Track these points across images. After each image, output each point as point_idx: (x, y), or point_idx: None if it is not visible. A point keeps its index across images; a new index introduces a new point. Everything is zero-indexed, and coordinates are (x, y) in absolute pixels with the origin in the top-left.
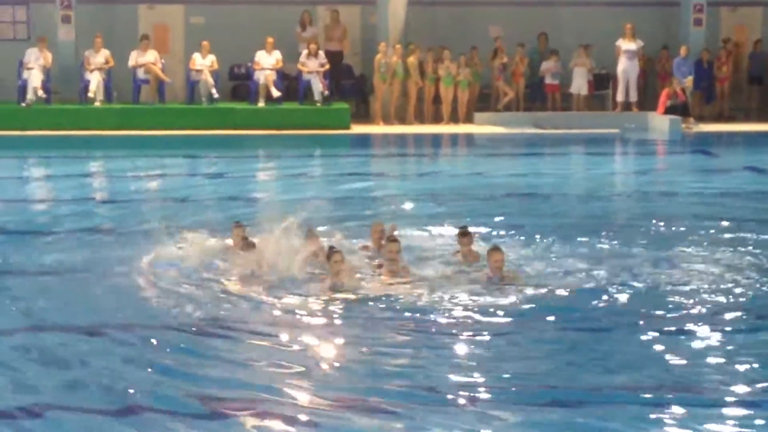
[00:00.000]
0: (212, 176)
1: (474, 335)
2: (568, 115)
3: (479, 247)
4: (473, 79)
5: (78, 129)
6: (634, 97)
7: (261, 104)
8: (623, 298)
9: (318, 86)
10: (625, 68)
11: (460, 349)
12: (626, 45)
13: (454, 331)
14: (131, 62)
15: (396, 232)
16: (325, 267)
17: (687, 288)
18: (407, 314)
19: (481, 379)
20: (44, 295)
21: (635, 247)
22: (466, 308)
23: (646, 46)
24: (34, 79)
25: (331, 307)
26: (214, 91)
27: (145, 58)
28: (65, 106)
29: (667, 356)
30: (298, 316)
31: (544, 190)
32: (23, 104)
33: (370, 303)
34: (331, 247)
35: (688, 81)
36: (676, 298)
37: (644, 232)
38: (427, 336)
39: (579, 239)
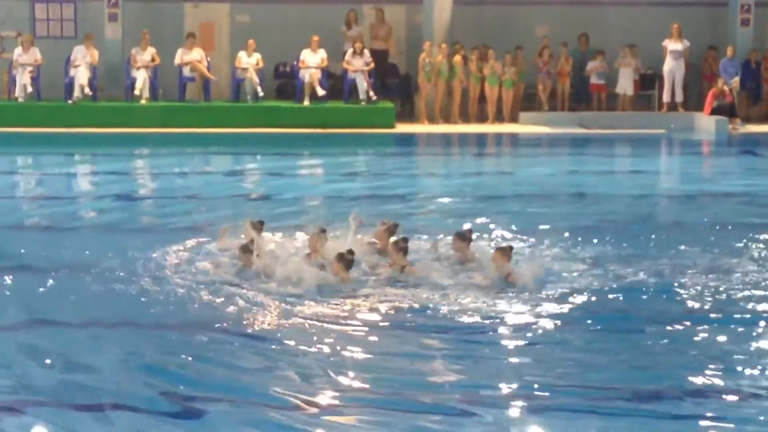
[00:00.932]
0: (255, 174)
1: (470, 337)
2: (613, 115)
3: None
4: (518, 79)
5: (123, 126)
6: (680, 97)
7: (306, 103)
8: (652, 299)
9: (363, 85)
10: (671, 68)
11: (458, 351)
12: (672, 45)
13: (445, 332)
14: (177, 60)
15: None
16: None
17: (732, 291)
18: (400, 315)
19: (481, 381)
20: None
21: (677, 248)
22: (464, 310)
23: (692, 46)
24: (81, 76)
25: (332, 307)
26: (259, 89)
27: (191, 56)
28: (111, 104)
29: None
30: (299, 317)
31: (587, 190)
32: (70, 101)
33: (367, 301)
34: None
35: (735, 81)
36: (718, 300)
37: (688, 234)
38: (417, 337)
39: (618, 240)
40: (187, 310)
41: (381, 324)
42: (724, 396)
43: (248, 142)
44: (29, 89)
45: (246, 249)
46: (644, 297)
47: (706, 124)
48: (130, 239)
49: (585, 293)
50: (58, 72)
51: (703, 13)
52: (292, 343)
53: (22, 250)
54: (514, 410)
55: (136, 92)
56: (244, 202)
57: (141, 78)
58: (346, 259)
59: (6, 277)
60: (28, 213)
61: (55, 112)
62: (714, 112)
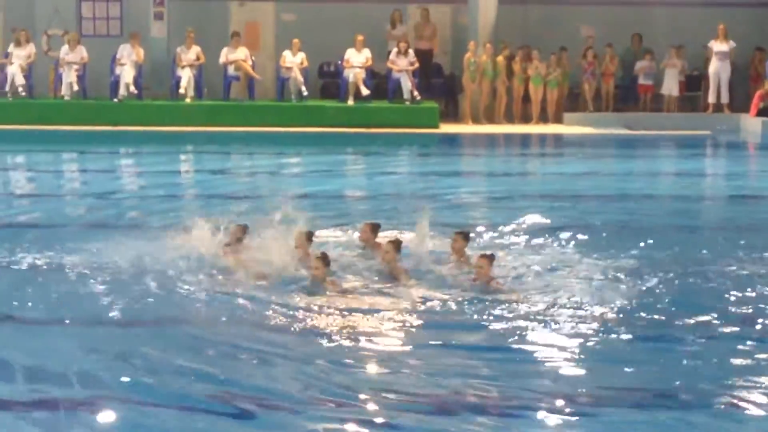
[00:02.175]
0: (299, 173)
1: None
2: (658, 116)
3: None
4: (563, 79)
5: (168, 125)
6: (725, 98)
7: (350, 102)
8: (692, 303)
9: (407, 85)
10: (717, 69)
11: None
12: (718, 46)
13: (413, 335)
14: (222, 59)
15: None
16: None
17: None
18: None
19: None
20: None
21: (720, 251)
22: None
23: (738, 47)
24: (127, 75)
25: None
26: (303, 88)
27: (236, 55)
28: (156, 102)
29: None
30: (286, 318)
31: (630, 191)
32: (115, 99)
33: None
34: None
35: None
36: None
37: (733, 236)
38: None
39: (660, 243)
40: (237, 310)
41: (363, 325)
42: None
43: (292, 141)
44: (75, 87)
45: (324, 258)
46: (685, 301)
47: (752, 125)
48: (174, 236)
49: (619, 294)
50: (103, 70)
51: (749, 13)
52: (273, 342)
53: (72, 247)
54: (519, 414)
55: (181, 91)
56: (289, 201)
57: (186, 76)
58: (326, 258)
59: (56, 275)
60: (76, 211)
61: (101, 110)
62: (760, 113)
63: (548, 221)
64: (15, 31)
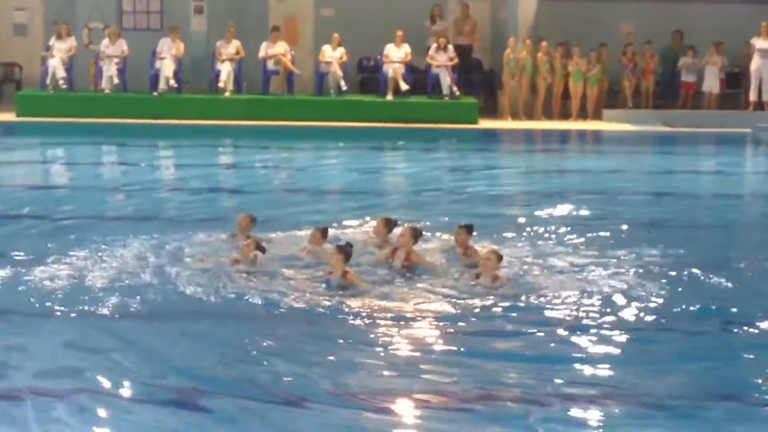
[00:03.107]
0: (337, 168)
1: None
2: (698, 113)
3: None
4: (602, 76)
5: (207, 118)
6: (767, 96)
7: (389, 97)
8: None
9: (446, 80)
10: (759, 67)
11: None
12: (761, 43)
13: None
14: (261, 53)
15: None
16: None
17: None
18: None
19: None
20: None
21: (752, 251)
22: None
23: None
24: (166, 68)
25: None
26: (342, 83)
27: (275, 50)
28: (196, 96)
29: None
30: (302, 312)
31: (669, 189)
32: (155, 93)
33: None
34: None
35: None
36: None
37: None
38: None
39: (696, 241)
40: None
41: (373, 320)
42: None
43: (330, 135)
44: (115, 81)
45: (342, 251)
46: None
47: None
48: (210, 229)
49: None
50: (143, 64)
51: None
52: (280, 336)
53: (110, 240)
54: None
55: (221, 84)
56: (326, 195)
57: (225, 70)
58: (346, 252)
59: (99, 267)
60: (116, 202)
61: (141, 103)
62: None
63: (583, 218)
64: (56, 24)
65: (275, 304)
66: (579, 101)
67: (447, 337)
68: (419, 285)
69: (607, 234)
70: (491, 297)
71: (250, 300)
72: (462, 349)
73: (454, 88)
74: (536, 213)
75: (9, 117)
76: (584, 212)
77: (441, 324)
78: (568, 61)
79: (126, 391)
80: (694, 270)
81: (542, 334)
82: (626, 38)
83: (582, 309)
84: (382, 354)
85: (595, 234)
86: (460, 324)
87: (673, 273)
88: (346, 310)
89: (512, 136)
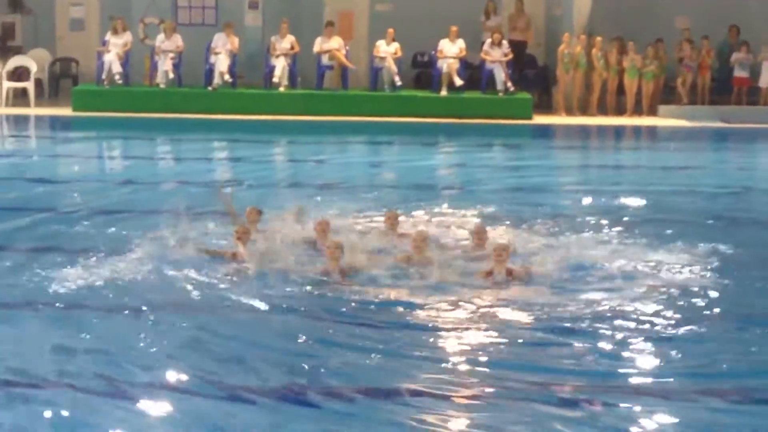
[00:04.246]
0: (391, 163)
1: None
2: (755, 109)
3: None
4: (659, 72)
5: (262, 113)
6: None
7: (443, 92)
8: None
9: (501, 76)
10: None
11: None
12: None
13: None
14: (316, 48)
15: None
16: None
17: None
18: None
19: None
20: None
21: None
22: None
23: None
24: (221, 63)
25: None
26: (397, 78)
27: (330, 45)
28: (250, 91)
29: None
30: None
31: (724, 185)
32: (210, 88)
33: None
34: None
35: None
36: None
37: None
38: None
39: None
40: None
41: (373, 316)
42: None
43: (385, 130)
44: (171, 75)
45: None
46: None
47: None
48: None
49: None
50: (198, 59)
51: None
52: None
53: (166, 234)
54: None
55: (275, 80)
56: (379, 190)
57: (280, 65)
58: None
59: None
60: (171, 197)
61: (196, 98)
62: None
63: (637, 214)
64: (112, 19)
65: (276, 300)
66: (634, 97)
67: (457, 333)
68: (433, 283)
69: (657, 230)
70: (504, 292)
71: (250, 296)
72: (475, 347)
73: (509, 84)
74: (586, 208)
75: (66, 112)
76: (637, 208)
77: (453, 322)
78: (623, 57)
79: (144, 383)
80: (747, 265)
81: (553, 329)
82: (682, 33)
83: (606, 304)
84: (388, 351)
85: (643, 230)
86: (471, 322)
87: (723, 268)
88: (348, 308)
89: (566, 132)
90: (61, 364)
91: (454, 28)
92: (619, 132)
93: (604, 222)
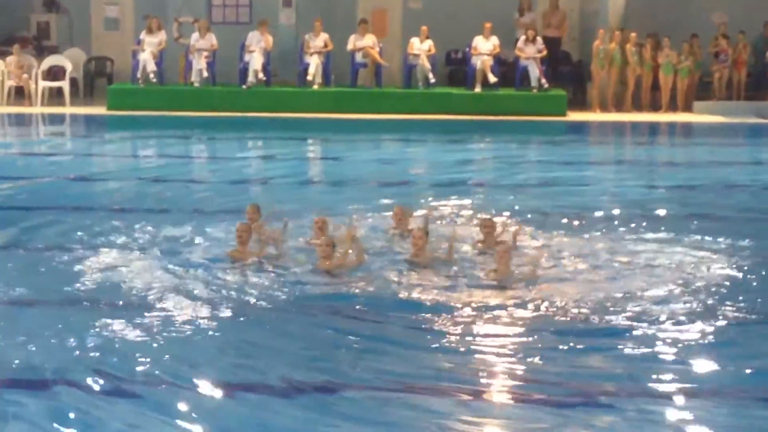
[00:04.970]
0: (424, 160)
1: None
2: None
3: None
4: (693, 67)
5: (296, 111)
6: None
7: (477, 89)
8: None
9: (535, 72)
10: None
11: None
12: None
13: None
14: (350, 46)
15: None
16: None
17: None
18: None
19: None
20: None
21: None
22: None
23: None
24: (255, 61)
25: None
26: (431, 75)
27: (364, 42)
28: (284, 89)
29: None
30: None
31: (760, 181)
32: (244, 86)
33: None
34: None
35: None
36: None
37: None
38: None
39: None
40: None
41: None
42: None
43: (419, 128)
44: (205, 74)
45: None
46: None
47: None
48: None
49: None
50: (233, 57)
51: None
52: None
53: (198, 233)
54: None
55: (309, 77)
56: (410, 187)
57: (314, 63)
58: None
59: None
60: (207, 196)
61: (230, 96)
62: None
63: (672, 210)
64: (147, 18)
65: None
66: (669, 93)
67: (459, 330)
68: (437, 280)
69: (693, 226)
70: (506, 290)
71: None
72: (478, 342)
73: (543, 80)
74: (620, 205)
75: (101, 111)
76: (673, 205)
77: (453, 318)
78: (657, 53)
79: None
80: None
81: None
82: (718, 29)
83: (619, 304)
84: (394, 349)
85: (679, 226)
86: (472, 318)
87: (761, 265)
88: (332, 306)
89: (601, 128)
90: (73, 361)
91: (488, 25)
92: (653, 128)
93: (640, 219)
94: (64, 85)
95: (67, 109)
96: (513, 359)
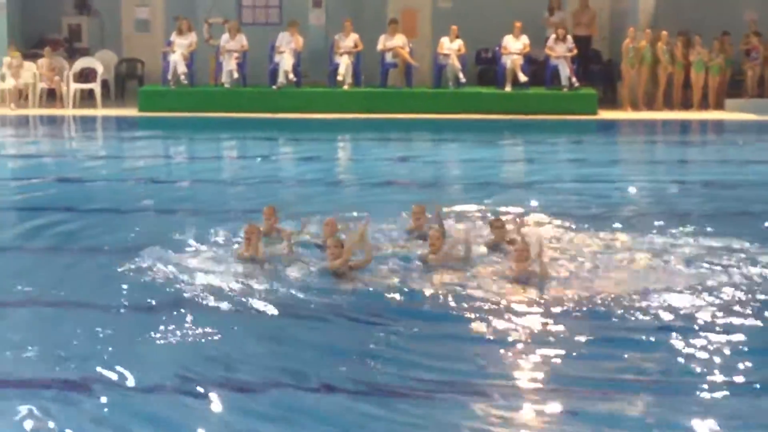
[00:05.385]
0: (456, 160)
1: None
2: None
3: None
4: (725, 65)
5: (326, 112)
6: None
7: (507, 89)
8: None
9: (565, 71)
10: None
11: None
12: None
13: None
14: (380, 46)
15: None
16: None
17: None
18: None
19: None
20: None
21: None
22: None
23: None
24: (285, 62)
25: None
26: (461, 75)
27: (394, 42)
28: (314, 89)
29: None
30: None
31: None
32: (274, 87)
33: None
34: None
35: None
36: None
37: None
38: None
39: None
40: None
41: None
42: None
43: (449, 127)
44: (235, 75)
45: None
46: None
47: None
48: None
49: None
50: (263, 58)
51: None
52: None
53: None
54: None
55: (339, 78)
56: (443, 188)
57: (344, 64)
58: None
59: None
60: (235, 197)
61: (260, 97)
62: None
63: (704, 208)
64: (177, 20)
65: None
66: (701, 91)
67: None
68: (452, 279)
69: (726, 225)
70: (524, 288)
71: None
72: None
73: (573, 79)
74: (651, 204)
75: (132, 112)
76: (702, 203)
77: (468, 317)
78: (688, 51)
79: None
80: None
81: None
82: (749, 26)
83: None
84: (406, 348)
85: (713, 225)
86: (481, 320)
87: None
88: (340, 306)
89: (632, 127)
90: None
91: (517, 24)
92: (685, 126)
93: (671, 217)
94: (96, 87)
95: (99, 111)
96: (532, 356)
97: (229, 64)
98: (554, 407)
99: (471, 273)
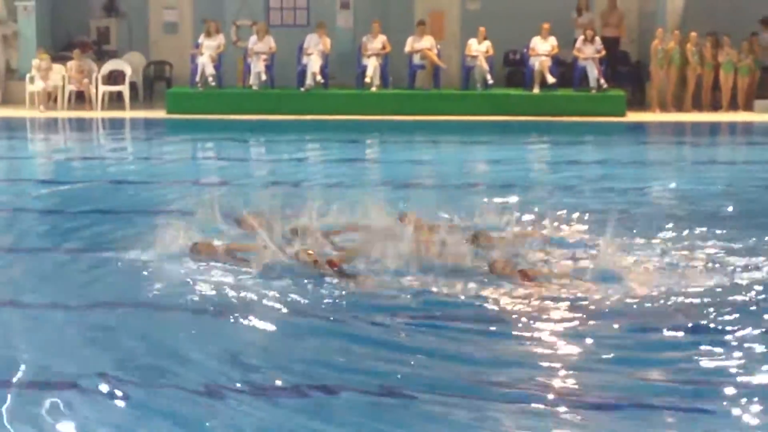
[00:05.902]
0: (483, 162)
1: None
2: None
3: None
4: (754, 66)
5: (354, 114)
6: None
7: (536, 90)
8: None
9: (594, 73)
10: None
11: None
12: None
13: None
14: (407, 48)
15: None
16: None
17: None
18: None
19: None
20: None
21: None
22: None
23: None
24: (313, 64)
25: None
26: (488, 77)
27: (422, 44)
28: (342, 91)
29: None
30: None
31: None
32: (302, 89)
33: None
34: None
35: None
36: None
37: None
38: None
39: None
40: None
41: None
42: None
43: (477, 129)
44: (263, 77)
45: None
46: None
47: None
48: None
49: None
50: (291, 60)
51: None
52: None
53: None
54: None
55: (367, 80)
56: (466, 189)
57: (372, 66)
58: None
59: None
60: (264, 198)
61: (288, 99)
62: None
63: (734, 210)
64: (205, 22)
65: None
66: (730, 92)
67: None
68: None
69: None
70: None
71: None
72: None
73: (602, 81)
74: (679, 206)
75: (160, 114)
76: (731, 204)
77: (480, 320)
78: (717, 52)
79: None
80: None
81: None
82: None
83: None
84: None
85: (742, 228)
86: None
87: None
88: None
89: (661, 129)
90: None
91: (545, 26)
92: (714, 128)
93: (700, 218)
94: (124, 89)
95: (127, 113)
96: (541, 358)
97: (257, 66)
98: (565, 408)
99: (478, 274)
